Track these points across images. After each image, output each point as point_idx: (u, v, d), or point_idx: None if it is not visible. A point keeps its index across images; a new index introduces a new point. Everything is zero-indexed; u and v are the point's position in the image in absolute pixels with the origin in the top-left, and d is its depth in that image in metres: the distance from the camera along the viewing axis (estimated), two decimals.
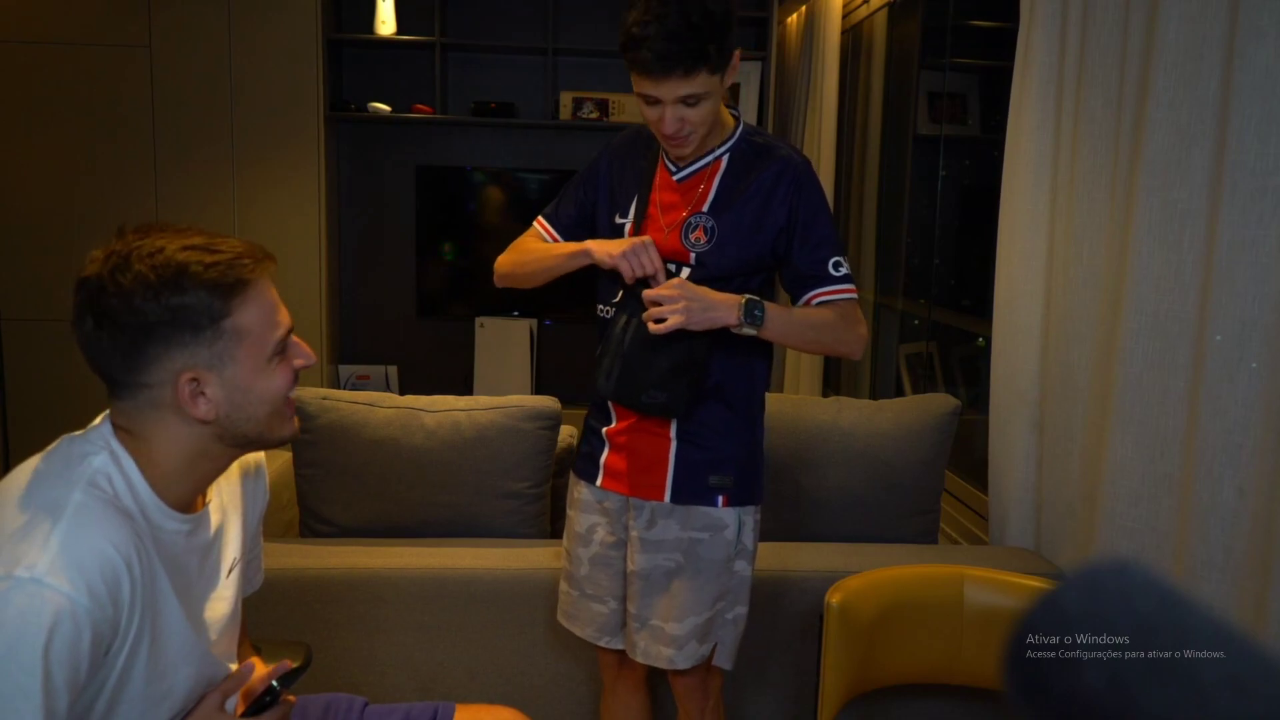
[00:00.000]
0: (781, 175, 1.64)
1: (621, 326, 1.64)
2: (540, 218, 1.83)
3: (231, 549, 1.26)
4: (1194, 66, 1.69)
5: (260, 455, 1.36)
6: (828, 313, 1.65)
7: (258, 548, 1.41)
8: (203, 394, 1.07)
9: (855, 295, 1.67)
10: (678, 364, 1.61)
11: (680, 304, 1.54)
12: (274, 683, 1.23)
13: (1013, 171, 2.23)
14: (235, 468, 1.30)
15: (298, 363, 1.17)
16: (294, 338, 1.17)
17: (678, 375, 1.62)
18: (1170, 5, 1.71)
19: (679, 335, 1.58)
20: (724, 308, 1.56)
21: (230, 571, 1.26)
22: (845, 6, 4.14)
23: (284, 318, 1.14)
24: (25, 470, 1.06)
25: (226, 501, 1.27)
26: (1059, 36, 2.09)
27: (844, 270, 1.66)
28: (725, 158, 1.68)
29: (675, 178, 1.70)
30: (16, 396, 4.14)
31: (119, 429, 1.11)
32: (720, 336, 1.63)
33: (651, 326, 1.56)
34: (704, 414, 1.68)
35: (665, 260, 1.64)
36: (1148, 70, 1.78)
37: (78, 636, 0.95)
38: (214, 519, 1.22)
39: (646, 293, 1.57)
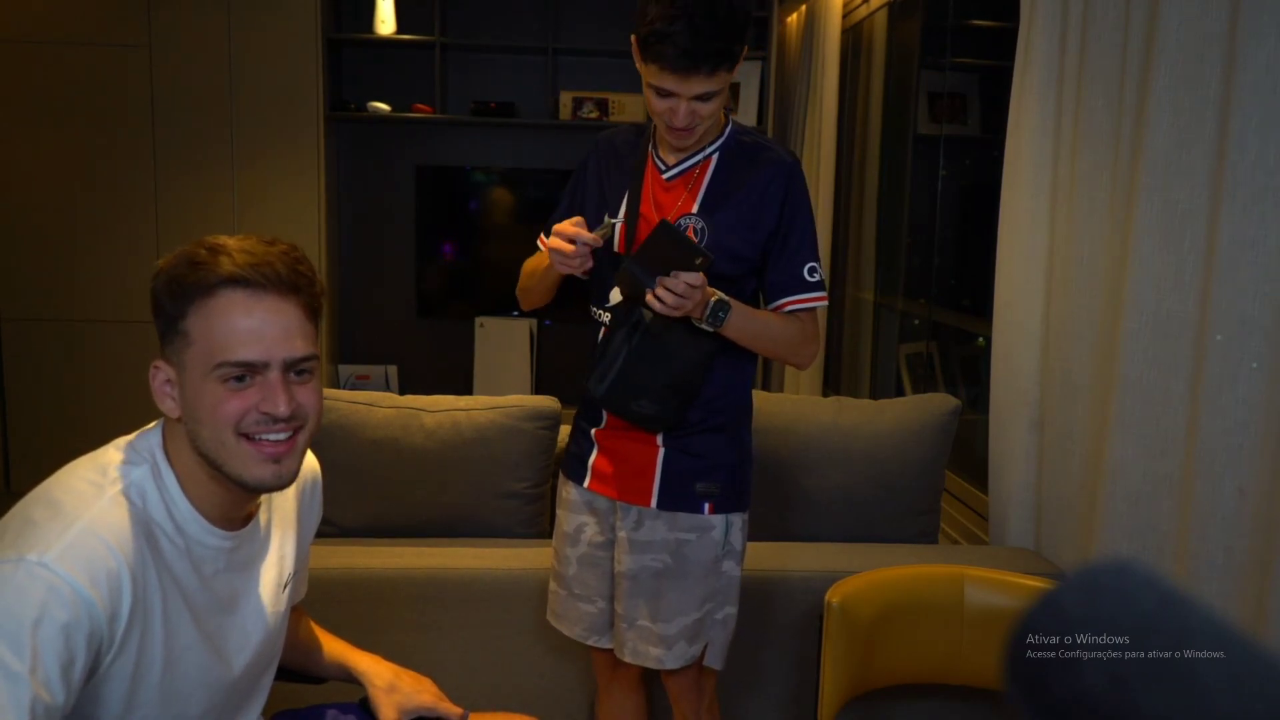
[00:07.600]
0: (775, 176, 1.64)
1: (623, 337, 1.62)
2: (542, 234, 1.78)
3: (285, 565, 1.26)
4: (1194, 66, 1.69)
5: (316, 468, 1.36)
6: (791, 324, 1.66)
7: (306, 559, 1.40)
8: (169, 389, 1.09)
9: (825, 300, 1.67)
10: (675, 383, 1.61)
11: (688, 303, 1.51)
12: None
13: (1013, 171, 2.23)
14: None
15: (258, 404, 1.06)
16: (275, 382, 1.07)
17: (673, 392, 1.61)
18: (1170, 5, 1.71)
19: (682, 354, 1.58)
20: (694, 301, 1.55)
21: (285, 588, 1.25)
22: (845, 6, 4.14)
23: (253, 349, 1.05)
24: (69, 470, 1.08)
25: (281, 517, 1.26)
26: (1059, 36, 2.09)
27: (818, 276, 1.66)
28: (715, 156, 1.67)
29: (665, 176, 1.68)
30: (16, 396, 4.13)
31: (168, 435, 1.11)
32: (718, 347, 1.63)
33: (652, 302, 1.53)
34: (692, 422, 1.67)
35: None
36: (1148, 70, 1.78)
37: (71, 623, 0.94)
38: (262, 535, 1.22)
39: (666, 282, 1.51)
